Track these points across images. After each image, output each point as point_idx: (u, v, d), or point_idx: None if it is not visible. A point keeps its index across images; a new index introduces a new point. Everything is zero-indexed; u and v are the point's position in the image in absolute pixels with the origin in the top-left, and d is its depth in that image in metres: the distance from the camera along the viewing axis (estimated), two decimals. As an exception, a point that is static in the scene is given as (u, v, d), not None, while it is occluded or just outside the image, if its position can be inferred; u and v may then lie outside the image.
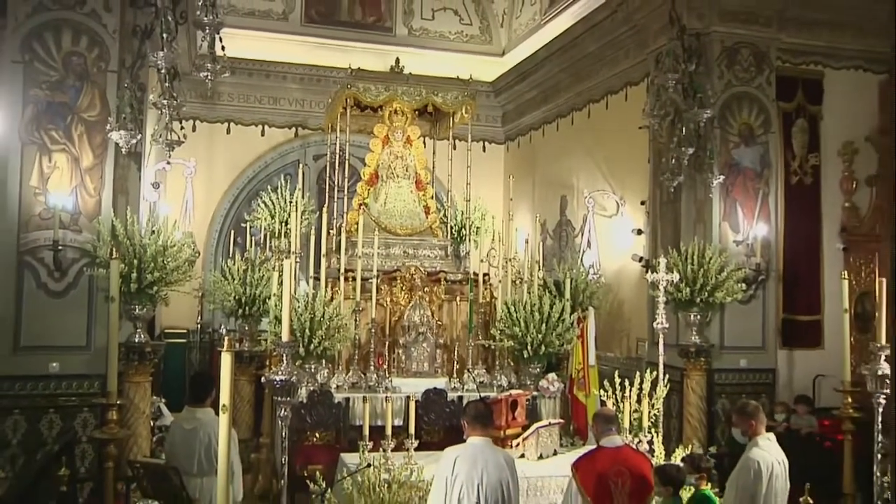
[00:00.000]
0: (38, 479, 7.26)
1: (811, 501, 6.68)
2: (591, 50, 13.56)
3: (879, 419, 7.45)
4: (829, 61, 11.88)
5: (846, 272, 9.40)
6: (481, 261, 11.63)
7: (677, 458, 8.32)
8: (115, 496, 7.29)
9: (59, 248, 8.67)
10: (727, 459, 8.93)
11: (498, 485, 6.05)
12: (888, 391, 7.40)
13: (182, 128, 9.73)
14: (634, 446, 7.55)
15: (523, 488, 7.70)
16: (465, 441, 6.36)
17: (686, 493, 7.12)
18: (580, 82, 14.32)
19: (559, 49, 14.34)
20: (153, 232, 8.86)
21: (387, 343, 10.52)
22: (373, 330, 10.31)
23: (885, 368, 7.34)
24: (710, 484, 7.45)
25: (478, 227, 12.69)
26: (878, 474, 7.18)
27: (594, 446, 6.61)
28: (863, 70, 12.00)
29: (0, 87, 8.73)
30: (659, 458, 8.20)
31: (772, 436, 6.93)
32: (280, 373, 6.29)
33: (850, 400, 7.98)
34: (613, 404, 8.72)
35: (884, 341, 7.47)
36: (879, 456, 7.37)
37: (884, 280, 7.97)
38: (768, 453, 6.68)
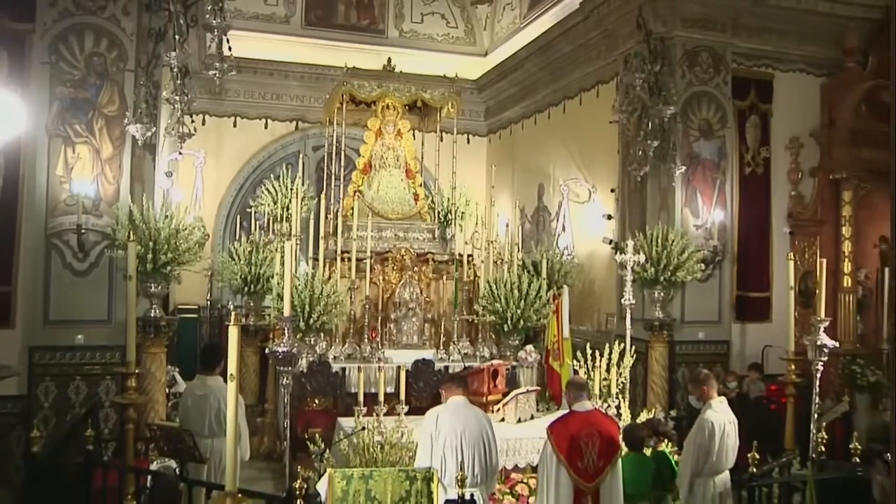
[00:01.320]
0: (67, 438, 7.30)
1: (758, 456, 6.81)
2: (565, 51, 13.61)
3: (817, 384, 7.62)
4: (778, 64, 12.00)
5: (792, 253, 9.51)
6: (466, 243, 11.60)
7: (641, 420, 8.48)
8: (135, 455, 7.35)
9: (83, 231, 8.73)
10: (685, 422, 9.06)
11: (479, 436, 6.15)
12: (825, 359, 7.59)
13: (192, 121, 9.73)
14: (603, 411, 7.67)
15: (503, 448, 7.77)
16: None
17: (647, 451, 7.31)
18: (556, 81, 14.36)
19: (537, 50, 14.38)
20: (167, 216, 8.87)
21: (379, 318, 10.53)
22: (366, 306, 10.42)
23: (823, 339, 7.51)
24: (669, 444, 7.63)
25: (462, 213, 12.59)
26: (814, 431, 7.34)
27: (567, 411, 6.63)
28: (806, 73, 12.15)
29: (30, 85, 8.75)
30: (626, 421, 8.31)
31: (723, 399, 7.02)
32: (282, 345, 6.41)
33: (793, 367, 8.10)
34: (585, 373, 8.80)
35: (822, 315, 7.65)
36: (816, 416, 7.54)
37: (824, 261, 8.11)
38: (720, 414, 6.75)
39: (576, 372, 8.99)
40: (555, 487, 6.19)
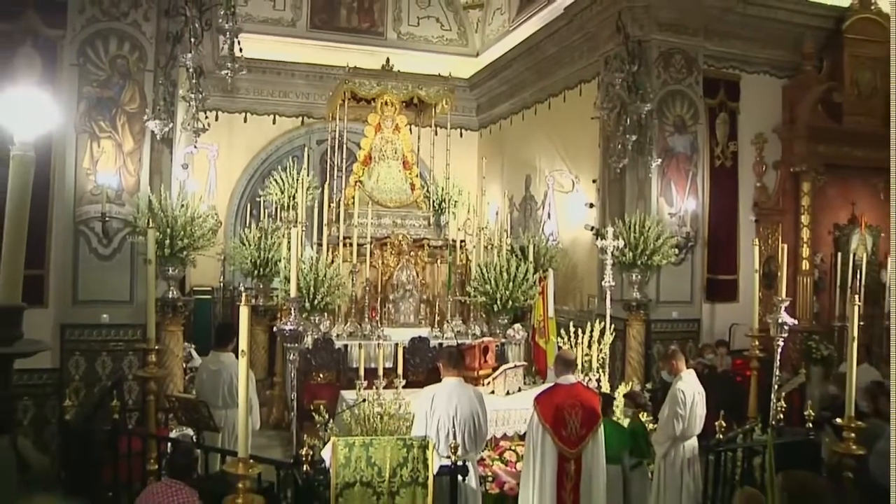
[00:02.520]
0: (96, 407, 7.35)
1: (724, 424, 6.90)
2: (551, 52, 13.60)
3: (778, 358, 7.73)
4: (744, 67, 12.10)
5: (756, 239, 9.68)
6: (458, 229, 11.64)
7: (621, 392, 8.55)
8: (156, 424, 7.41)
9: (107, 219, 8.77)
10: (659, 394, 9.17)
11: (470, 416, 6.19)
12: (786, 336, 7.68)
13: (206, 117, 9.76)
14: (585, 383, 7.75)
15: (493, 418, 7.85)
16: (441, 381, 6.47)
17: (625, 422, 7.42)
18: (542, 79, 14.35)
19: (524, 51, 14.37)
20: (183, 205, 8.92)
21: (379, 298, 10.54)
22: (367, 287, 10.42)
23: (784, 317, 7.59)
24: (645, 414, 7.72)
25: (455, 201, 12.58)
26: (774, 401, 7.47)
27: (552, 384, 6.69)
28: (769, 75, 12.27)
29: (60, 86, 8.79)
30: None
31: (692, 371, 7.12)
32: (289, 323, 6.48)
33: (756, 343, 8.17)
34: (569, 349, 8.92)
35: (783, 296, 7.74)
36: (776, 387, 7.65)
37: (785, 246, 8.17)
38: (690, 385, 6.87)
39: (560, 349, 9.05)
40: (541, 454, 6.27)
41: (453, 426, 6.12)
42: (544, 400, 6.38)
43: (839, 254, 12.29)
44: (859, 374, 6.04)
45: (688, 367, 7.17)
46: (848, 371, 5.72)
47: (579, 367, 8.88)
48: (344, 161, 11.99)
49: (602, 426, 6.44)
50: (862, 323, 5.85)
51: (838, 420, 5.74)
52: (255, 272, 11.49)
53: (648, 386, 10.06)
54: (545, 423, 6.24)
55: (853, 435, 5.52)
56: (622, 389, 8.80)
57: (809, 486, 4.65)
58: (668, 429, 6.82)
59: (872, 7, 12.10)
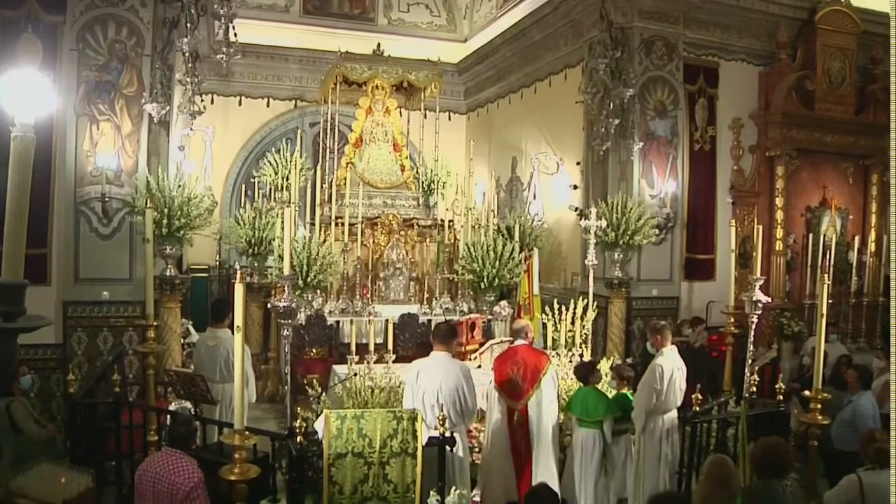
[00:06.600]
0: (98, 381, 7.38)
1: (700, 396, 6.97)
2: (537, 38, 13.53)
3: (752, 334, 7.79)
4: (722, 54, 12.11)
5: (733, 221, 9.69)
6: (447, 209, 11.66)
7: (605, 366, 8.60)
8: (155, 397, 7.45)
9: (106, 199, 8.78)
10: (640, 367, 9.24)
11: (454, 389, 6.23)
12: (759, 312, 7.75)
13: (202, 100, 9.68)
14: (539, 348, 7.92)
15: (479, 392, 7.94)
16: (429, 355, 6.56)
17: (610, 394, 7.47)
18: (528, 65, 14.28)
19: (511, 37, 14.28)
20: (180, 186, 8.89)
21: (369, 276, 10.58)
22: (358, 266, 10.45)
23: (758, 295, 7.66)
24: (628, 388, 7.78)
25: (444, 182, 12.60)
26: (748, 374, 7.54)
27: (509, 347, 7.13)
28: (746, 62, 12.30)
29: (60, 70, 8.74)
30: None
31: (674, 347, 7.15)
32: (283, 300, 6.51)
33: (732, 320, 8.25)
34: (553, 326, 8.92)
35: (758, 274, 7.81)
36: (750, 361, 7.73)
37: (760, 227, 8.25)
38: (670, 361, 6.90)
39: (544, 325, 9.08)
40: (496, 405, 6.78)
41: (437, 399, 6.16)
42: (498, 359, 7.03)
43: (810, 235, 12.40)
44: (828, 348, 6.11)
45: (671, 345, 7.21)
46: (817, 346, 5.79)
47: (563, 342, 8.93)
48: (336, 143, 11.96)
49: (546, 381, 6.76)
50: (830, 301, 5.88)
51: (806, 392, 5.82)
52: (250, 251, 11.46)
53: (629, 360, 10.11)
54: (495, 377, 6.85)
55: (819, 406, 5.59)
56: (604, 364, 8.84)
57: (776, 450, 4.73)
58: (643, 401, 6.88)
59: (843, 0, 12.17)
